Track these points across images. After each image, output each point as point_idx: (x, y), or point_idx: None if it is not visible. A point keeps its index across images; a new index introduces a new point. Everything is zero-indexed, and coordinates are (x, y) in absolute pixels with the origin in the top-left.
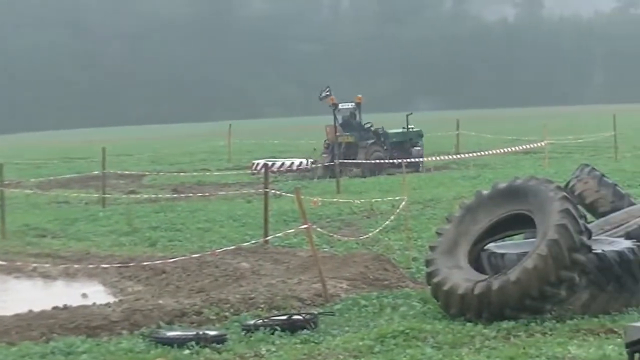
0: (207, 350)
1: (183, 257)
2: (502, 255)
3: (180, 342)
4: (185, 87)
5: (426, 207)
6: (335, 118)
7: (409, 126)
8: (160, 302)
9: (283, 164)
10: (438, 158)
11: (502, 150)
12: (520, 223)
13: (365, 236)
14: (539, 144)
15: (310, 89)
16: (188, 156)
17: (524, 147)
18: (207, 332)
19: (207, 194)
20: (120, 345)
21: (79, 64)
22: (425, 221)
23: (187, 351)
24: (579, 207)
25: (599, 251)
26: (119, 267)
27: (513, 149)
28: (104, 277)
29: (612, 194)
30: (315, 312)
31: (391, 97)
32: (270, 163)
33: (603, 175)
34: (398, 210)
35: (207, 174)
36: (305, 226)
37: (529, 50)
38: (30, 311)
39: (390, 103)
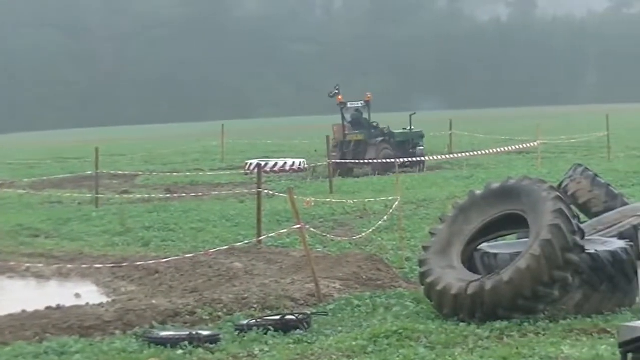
0: (200, 350)
1: (176, 257)
2: (495, 255)
3: (174, 342)
4: (179, 87)
5: (419, 207)
6: (343, 117)
7: (406, 127)
8: (154, 302)
9: (276, 164)
10: (431, 158)
11: (495, 150)
12: (514, 223)
13: (358, 236)
14: (532, 144)
15: (304, 89)
16: (181, 156)
17: (517, 147)
18: (200, 332)
19: (200, 194)
20: (113, 345)
21: (73, 64)
22: (418, 221)
23: (180, 351)
24: (572, 207)
25: (592, 251)
26: (112, 267)
27: (506, 149)
28: (97, 277)
29: (605, 194)
30: (309, 312)
31: (384, 97)
32: (263, 163)
33: (596, 175)
34: (391, 211)
35: (200, 174)
36: (298, 226)
37: (522, 50)
38: (24, 311)
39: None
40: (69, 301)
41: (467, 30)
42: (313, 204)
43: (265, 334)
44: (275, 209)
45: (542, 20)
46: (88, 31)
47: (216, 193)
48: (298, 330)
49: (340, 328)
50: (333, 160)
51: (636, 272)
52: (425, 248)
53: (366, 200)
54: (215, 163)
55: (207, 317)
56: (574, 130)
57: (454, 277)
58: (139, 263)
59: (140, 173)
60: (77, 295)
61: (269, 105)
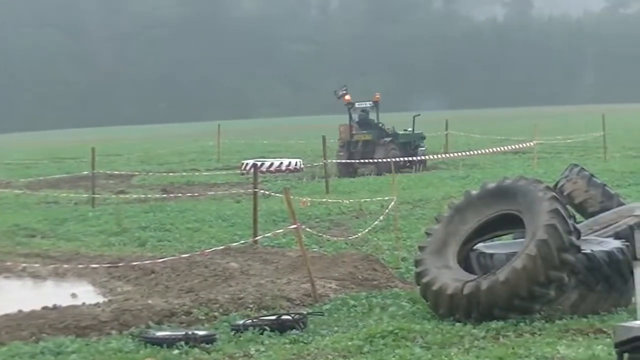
0: (196, 350)
1: (172, 257)
2: (491, 255)
3: (170, 342)
4: (177, 87)
5: (415, 207)
6: (350, 117)
7: (407, 128)
8: (150, 302)
9: (272, 164)
10: (427, 158)
11: (491, 150)
12: (509, 223)
13: (354, 236)
14: (528, 144)
15: (302, 89)
16: (177, 156)
17: (513, 147)
18: (196, 332)
19: (196, 194)
20: (109, 345)
21: (71, 64)
22: (414, 221)
23: (176, 351)
24: (568, 207)
25: (588, 251)
26: (109, 267)
27: (502, 149)
28: (93, 277)
29: (601, 194)
30: (304, 312)
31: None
32: (259, 163)
33: (592, 176)
34: (387, 211)
35: (197, 174)
36: (294, 226)
37: (519, 50)
38: (20, 311)
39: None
40: (65, 301)
41: (464, 31)
42: (309, 204)
43: (261, 334)
44: (271, 209)
45: (538, 20)
46: (86, 31)
47: (212, 193)
48: (294, 330)
49: (336, 328)
50: (340, 160)
51: (632, 272)
52: (421, 248)
53: (362, 200)
54: (212, 163)
55: (203, 317)
56: (570, 130)
57: (450, 277)
58: (135, 263)
59: (137, 173)
60: (74, 295)
61: (267, 105)
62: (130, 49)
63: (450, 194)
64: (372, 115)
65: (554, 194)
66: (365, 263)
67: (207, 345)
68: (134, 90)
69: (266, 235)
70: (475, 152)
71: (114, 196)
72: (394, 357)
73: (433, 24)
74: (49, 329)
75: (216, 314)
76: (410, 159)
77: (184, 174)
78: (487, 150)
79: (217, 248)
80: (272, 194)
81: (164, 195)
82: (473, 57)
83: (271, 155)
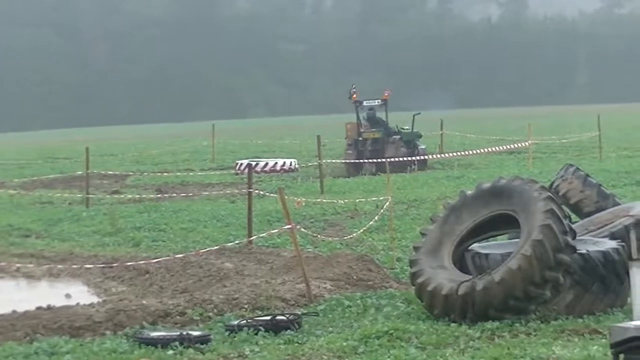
0: (190, 350)
1: (167, 258)
2: (486, 255)
3: (164, 343)
4: (169, 86)
5: (410, 207)
6: (357, 115)
7: (404, 127)
8: (144, 302)
9: (267, 164)
10: (422, 158)
11: (486, 150)
12: (505, 223)
13: (349, 236)
14: (523, 144)
15: (295, 88)
16: (171, 156)
17: (508, 147)
18: (190, 332)
19: (190, 194)
20: (103, 346)
21: (63, 63)
22: (409, 221)
23: (170, 351)
24: (564, 207)
25: (584, 251)
26: (103, 267)
27: (497, 148)
28: (87, 278)
29: (596, 194)
30: (299, 313)
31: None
32: (253, 163)
33: (587, 176)
34: (382, 211)
35: (191, 174)
36: (289, 226)
37: (513, 50)
38: (14, 311)
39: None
40: (59, 301)
41: (457, 30)
42: (304, 204)
43: (256, 334)
44: (265, 209)
45: (533, 21)
46: (77, 30)
47: (207, 193)
48: (289, 330)
49: (330, 328)
50: (348, 160)
51: (628, 273)
52: (416, 248)
53: (357, 200)
54: (206, 163)
55: (198, 318)
56: (566, 130)
57: (445, 277)
58: (129, 263)
59: (131, 173)
60: (68, 296)
61: (261, 104)
62: (124, 48)
63: (446, 194)
64: (375, 114)
65: (549, 194)
66: (360, 263)
67: (202, 346)
68: (127, 89)
69: (261, 235)
70: (471, 152)
71: (108, 196)
72: (388, 357)
73: (427, 24)
74: (43, 329)
75: (210, 314)
76: (417, 158)
77: (178, 174)
78: (482, 150)
79: (212, 248)
80: (267, 194)
81: (158, 196)
82: (467, 57)
83: (265, 155)
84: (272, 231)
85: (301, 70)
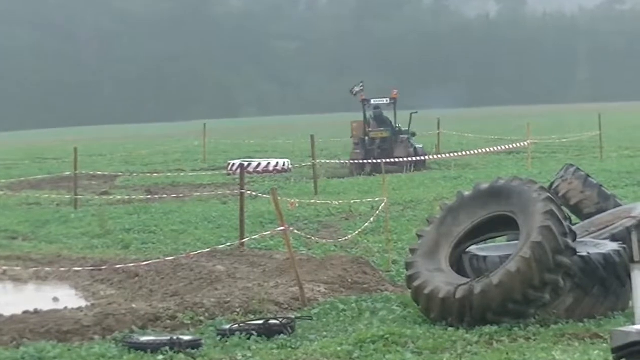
0: (181, 355)
1: (157, 260)
2: (485, 258)
3: (154, 348)
4: (160, 85)
5: (406, 209)
6: (364, 114)
7: (398, 125)
8: (134, 306)
9: (259, 164)
10: (418, 158)
11: (484, 150)
12: (503, 225)
13: (344, 238)
14: (522, 144)
15: (288, 87)
16: (162, 156)
17: (507, 146)
18: (181, 337)
19: (181, 195)
20: (92, 351)
21: (52, 62)
22: (405, 223)
23: (160, 356)
24: (564, 208)
25: (584, 254)
26: (91, 270)
27: (495, 148)
28: (75, 281)
29: (597, 195)
30: (293, 317)
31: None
32: (246, 163)
33: (588, 176)
34: (377, 212)
35: (182, 174)
36: (282, 228)
37: (511, 47)
38: (0, 315)
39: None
40: (46, 305)
41: (454, 27)
42: (297, 205)
43: (248, 339)
44: (258, 211)
45: (531, 17)
46: (66, 28)
47: (198, 194)
48: (282, 335)
49: (325, 333)
50: (356, 160)
51: (629, 275)
52: (412, 250)
53: (352, 201)
54: (197, 163)
55: (189, 322)
56: (566, 129)
57: (442, 280)
58: (118, 266)
59: (120, 174)
60: (55, 299)
61: (254, 103)
62: (115, 47)
63: (443, 195)
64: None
65: (548, 194)
66: (355, 266)
67: (193, 351)
68: (119, 88)
69: (253, 237)
70: (468, 152)
71: (97, 197)
72: None
73: (423, 20)
74: (30, 333)
75: (202, 318)
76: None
77: (169, 174)
78: (480, 150)
79: (203, 250)
80: (259, 195)
81: (149, 197)
82: (464, 54)
83: (258, 155)
84: (265, 233)
85: (295, 68)
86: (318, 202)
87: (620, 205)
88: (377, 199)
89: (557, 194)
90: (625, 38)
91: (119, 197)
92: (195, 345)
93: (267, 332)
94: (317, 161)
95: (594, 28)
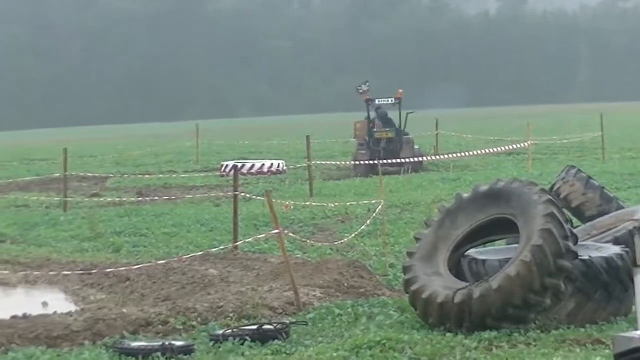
0: None
1: (148, 264)
2: (484, 261)
3: (146, 353)
4: (151, 85)
5: (404, 211)
6: (369, 114)
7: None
8: (125, 311)
9: (253, 165)
10: (416, 159)
11: (483, 152)
12: (503, 228)
13: (339, 242)
14: (522, 145)
15: (282, 87)
16: (154, 158)
17: (507, 148)
18: (173, 342)
19: (173, 197)
20: (82, 357)
21: (39, 61)
22: (403, 226)
23: None
24: (565, 211)
25: (586, 257)
26: (81, 274)
27: (495, 150)
28: (65, 285)
29: (599, 197)
30: (287, 322)
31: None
32: (240, 165)
33: (590, 178)
34: (374, 215)
35: (174, 176)
36: (276, 231)
37: (512, 46)
38: None
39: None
40: (36, 310)
41: (453, 25)
42: (292, 207)
43: (242, 344)
44: (252, 213)
45: (532, 15)
46: (53, 26)
47: (190, 196)
48: (276, 340)
49: (320, 338)
50: (362, 161)
51: (632, 280)
52: (409, 254)
53: (348, 203)
54: (190, 165)
55: (181, 327)
56: (567, 130)
57: (440, 284)
58: (109, 270)
59: (111, 175)
60: (45, 304)
61: (247, 103)
62: (99, 46)
63: (441, 197)
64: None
65: (549, 197)
66: (351, 270)
67: (185, 357)
68: (106, 88)
69: (247, 240)
70: (467, 154)
71: (87, 200)
72: None
73: (421, 18)
74: (19, 339)
75: (194, 323)
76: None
77: (161, 176)
78: (479, 152)
79: (196, 254)
80: (254, 197)
81: (140, 199)
82: (463, 53)
83: (252, 157)
84: (259, 236)
85: (289, 67)
86: (313, 204)
87: (623, 207)
88: (373, 202)
89: (558, 196)
90: (628, 36)
91: (109, 199)
92: (187, 351)
93: (261, 337)
94: (313, 162)
95: (595, 26)
